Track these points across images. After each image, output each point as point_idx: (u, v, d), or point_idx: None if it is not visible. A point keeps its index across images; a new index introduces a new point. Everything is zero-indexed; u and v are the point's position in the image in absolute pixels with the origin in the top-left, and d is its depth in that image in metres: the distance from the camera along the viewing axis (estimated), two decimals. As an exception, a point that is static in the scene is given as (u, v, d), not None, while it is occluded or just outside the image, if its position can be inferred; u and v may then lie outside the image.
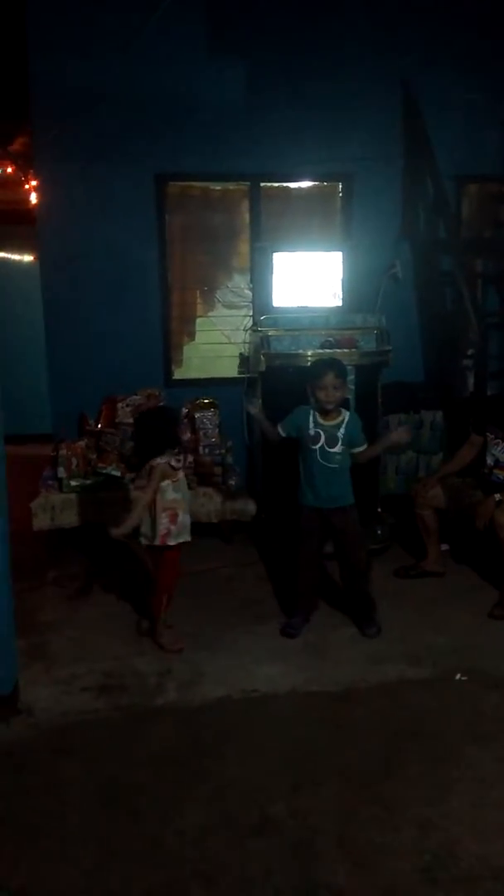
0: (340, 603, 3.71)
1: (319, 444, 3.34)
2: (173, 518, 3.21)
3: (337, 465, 3.36)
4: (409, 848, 2.16)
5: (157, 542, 3.20)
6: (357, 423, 3.43)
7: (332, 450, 3.35)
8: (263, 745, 2.64)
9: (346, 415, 3.41)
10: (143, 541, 3.27)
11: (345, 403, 3.56)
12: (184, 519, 3.25)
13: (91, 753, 2.61)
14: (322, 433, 3.34)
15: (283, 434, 3.46)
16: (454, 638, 3.39)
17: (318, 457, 3.35)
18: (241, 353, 5.13)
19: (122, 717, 2.83)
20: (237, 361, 5.19)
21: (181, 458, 3.41)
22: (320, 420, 3.36)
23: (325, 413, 3.36)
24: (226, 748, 2.62)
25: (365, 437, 3.45)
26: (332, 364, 3.42)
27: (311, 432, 3.35)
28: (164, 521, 3.19)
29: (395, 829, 2.23)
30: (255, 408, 3.70)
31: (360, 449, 3.43)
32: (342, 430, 3.35)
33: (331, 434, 3.35)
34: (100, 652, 3.29)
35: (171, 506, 3.21)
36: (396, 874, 2.07)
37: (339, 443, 3.35)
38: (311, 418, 3.38)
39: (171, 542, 3.22)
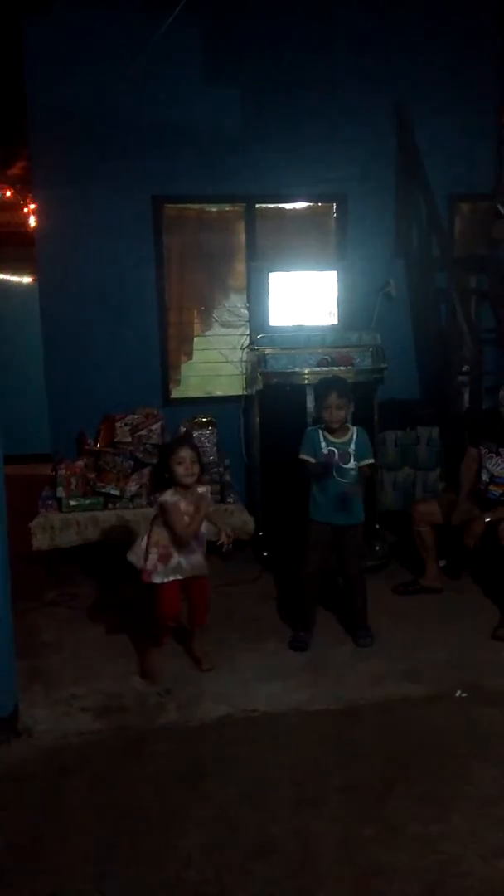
0: (340, 619, 3.72)
1: (334, 461, 3.42)
2: (164, 557, 3.13)
3: (353, 481, 3.44)
4: (411, 867, 2.15)
5: (142, 576, 3.15)
6: (364, 436, 3.52)
7: (346, 466, 3.43)
8: (264, 765, 2.63)
9: (353, 431, 3.50)
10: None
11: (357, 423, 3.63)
12: (182, 561, 3.15)
13: (91, 774, 2.61)
14: (335, 450, 3.43)
15: (312, 461, 3.48)
16: (454, 654, 3.39)
17: (335, 474, 3.42)
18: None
19: (123, 737, 2.82)
20: (234, 380, 5.24)
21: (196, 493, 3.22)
22: (331, 438, 3.45)
23: (332, 431, 3.45)
24: (227, 768, 2.61)
25: (372, 450, 3.53)
26: (332, 384, 3.50)
27: (325, 450, 3.43)
28: (152, 556, 3.14)
29: (397, 848, 2.22)
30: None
31: (368, 462, 3.52)
32: (352, 446, 3.44)
33: (343, 451, 3.44)
34: (99, 672, 3.28)
35: (163, 543, 3.14)
36: (398, 893, 2.06)
37: (353, 458, 3.44)
38: (321, 437, 3.45)
39: (156, 580, 3.13)
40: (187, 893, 2.08)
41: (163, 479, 3.20)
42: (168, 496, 3.15)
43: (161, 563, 3.14)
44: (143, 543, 3.18)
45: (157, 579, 3.14)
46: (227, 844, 2.25)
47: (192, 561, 3.18)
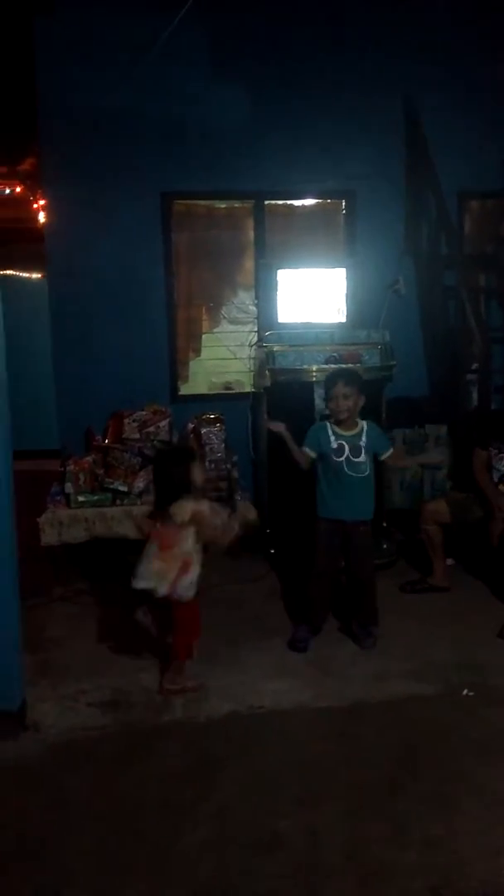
0: (347, 618, 3.72)
1: (344, 456, 3.38)
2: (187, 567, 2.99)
3: (364, 475, 3.41)
4: (416, 866, 2.15)
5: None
6: (376, 428, 3.49)
7: (357, 459, 3.40)
8: (270, 762, 2.64)
9: (363, 424, 3.45)
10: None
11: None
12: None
13: (98, 770, 2.62)
14: (345, 444, 3.39)
15: (313, 455, 3.44)
16: (460, 653, 3.38)
17: (346, 468, 3.38)
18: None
19: (129, 733, 2.83)
20: (242, 377, 5.24)
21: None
22: (340, 432, 3.41)
23: (340, 424, 3.41)
24: (232, 765, 2.62)
25: (389, 440, 3.50)
26: (339, 374, 3.47)
27: (334, 445, 3.39)
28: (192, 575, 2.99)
29: (401, 847, 2.22)
30: (277, 427, 3.50)
31: (388, 453, 3.50)
32: (363, 440, 3.41)
33: (353, 444, 3.40)
34: (106, 668, 3.30)
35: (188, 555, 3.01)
36: (403, 892, 2.07)
37: (363, 452, 3.40)
38: (329, 432, 3.42)
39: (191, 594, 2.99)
40: (193, 890, 2.09)
41: (174, 488, 3.01)
42: (197, 505, 2.99)
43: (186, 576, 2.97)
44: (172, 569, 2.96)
45: (191, 592, 2.99)
46: (233, 841, 2.26)
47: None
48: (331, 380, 3.44)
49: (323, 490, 3.46)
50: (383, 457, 3.48)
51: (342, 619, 3.70)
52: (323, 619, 3.57)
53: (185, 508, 2.97)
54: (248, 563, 4.49)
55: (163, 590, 2.96)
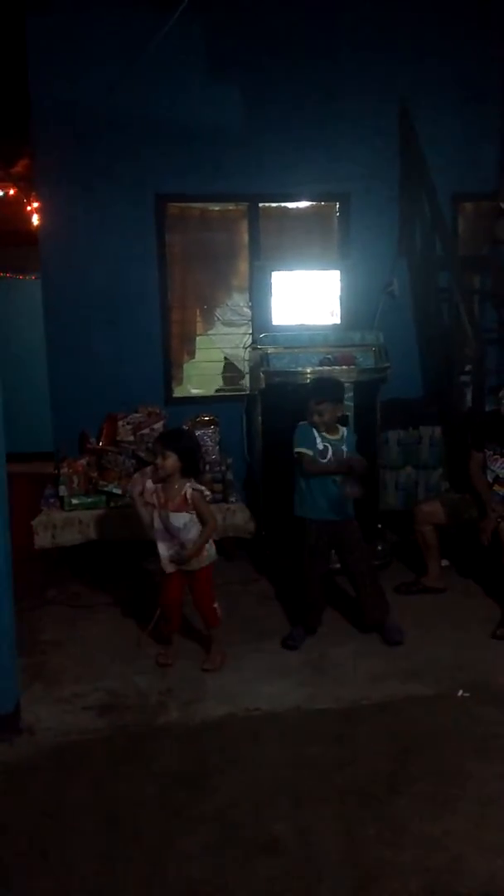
0: (342, 619, 3.72)
1: (328, 458, 3.45)
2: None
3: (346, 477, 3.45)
4: (412, 866, 2.15)
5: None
6: (351, 439, 3.59)
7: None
8: (266, 764, 2.63)
9: (343, 430, 3.57)
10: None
11: (343, 420, 3.67)
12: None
13: (93, 773, 2.61)
14: (329, 447, 3.47)
15: (311, 454, 3.48)
16: (456, 654, 3.39)
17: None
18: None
19: (124, 736, 2.82)
20: (236, 378, 5.24)
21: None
22: (326, 436, 3.49)
23: (323, 430, 3.49)
24: (229, 767, 2.61)
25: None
26: (312, 391, 3.54)
27: (321, 447, 3.47)
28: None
29: (398, 847, 2.22)
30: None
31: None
32: (344, 444, 3.51)
33: (337, 447, 3.48)
34: (101, 671, 3.28)
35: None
36: (400, 893, 2.06)
37: (345, 455, 3.48)
38: (315, 434, 3.48)
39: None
40: (189, 892, 2.08)
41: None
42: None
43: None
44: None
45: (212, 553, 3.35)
46: (229, 843, 2.25)
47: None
48: (308, 394, 3.53)
49: (306, 491, 3.50)
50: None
51: (338, 621, 3.70)
52: (317, 619, 3.57)
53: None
54: (243, 565, 4.49)
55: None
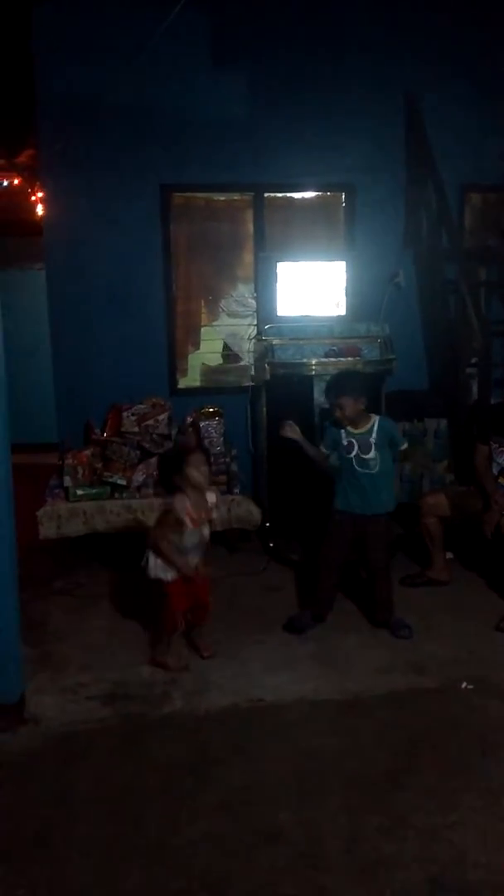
0: (350, 610, 3.72)
1: (354, 453, 3.45)
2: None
3: (376, 470, 3.46)
4: (416, 858, 2.15)
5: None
6: (387, 424, 3.53)
7: (366, 456, 3.45)
8: (270, 755, 2.64)
9: (374, 420, 3.50)
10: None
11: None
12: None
13: (97, 762, 2.62)
14: (354, 441, 3.45)
15: (328, 453, 3.54)
16: (460, 646, 3.39)
17: (356, 465, 3.45)
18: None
19: (129, 726, 2.83)
20: (241, 370, 5.22)
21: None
22: (350, 430, 3.47)
23: (346, 425, 3.47)
24: (232, 757, 2.62)
25: (400, 434, 3.61)
26: (332, 385, 3.52)
27: (345, 442, 3.48)
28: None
29: (402, 839, 2.22)
30: (294, 433, 3.61)
31: (402, 446, 3.61)
32: (373, 437, 3.45)
33: (363, 441, 3.45)
34: (106, 661, 3.29)
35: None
36: (404, 884, 2.07)
37: (373, 448, 3.45)
38: (341, 430, 3.48)
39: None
40: (193, 881, 2.09)
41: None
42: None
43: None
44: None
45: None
46: (233, 833, 2.26)
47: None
48: (327, 391, 3.53)
49: (340, 484, 3.53)
50: (398, 449, 3.58)
51: (344, 612, 3.70)
52: (326, 607, 3.59)
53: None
54: (247, 556, 4.49)
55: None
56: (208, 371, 5.35)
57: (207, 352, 5.38)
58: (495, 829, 2.26)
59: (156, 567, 3.15)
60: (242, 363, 5.28)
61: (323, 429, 3.67)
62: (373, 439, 3.44)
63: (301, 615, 3.58)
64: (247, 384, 5.08)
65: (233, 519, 4.46)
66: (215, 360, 5.37)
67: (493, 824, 2.28)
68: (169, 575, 3.15)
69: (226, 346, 5.37)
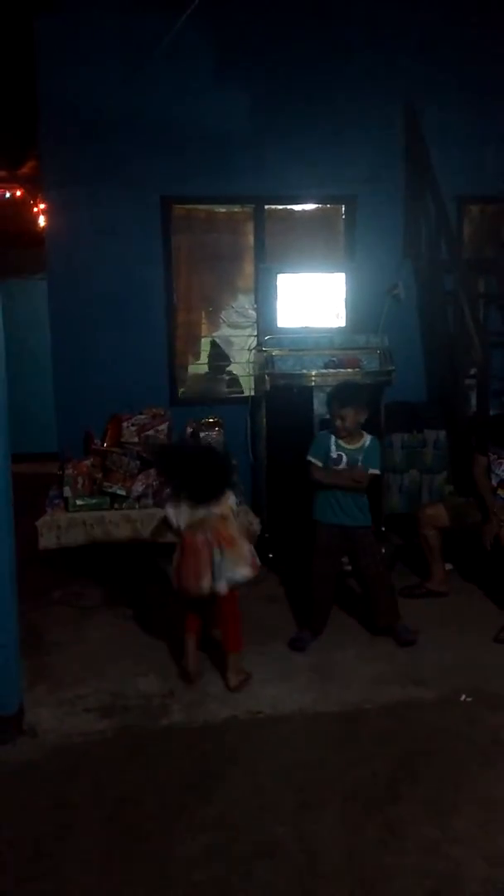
0: (348, 622, 3.71)
1: (341, 466, 3.44)
2: None
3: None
4: (415, 870, 2.15)
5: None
6: (376, 445, 3.52)
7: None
8: (269, 767, 2.63)
9: (367, 439, 3.50)
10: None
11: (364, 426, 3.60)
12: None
13: (95, 774, 2.61)
14: (344, 455, 3.45)
15: (320, 464, 3.48)
16: (459, 658, 3.38)
17: None
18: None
19: (127, 738, 2.82)
20: (241, 381, 5.24)
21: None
22: (342, 444, 3.46)
23: (344, 436, 3.46)
24: (231, 769, 2.61)
25: (380, 463, 3.55)
26: (336, 394, 3.51)
27: (334, 455, 3.46)
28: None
29: (401, 852, 2.22)
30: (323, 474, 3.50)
31: (372, 471, 3.49)
32: (362, 454, 3.46)
33: (352, 457, 3.45)
34: (104, 672, 3.29)
35: None
36: (402, 898, 2.06)
37: (358, 465, 3.44)
38: (332, 442, 3.47)
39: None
40: (191, 894, 2.08)
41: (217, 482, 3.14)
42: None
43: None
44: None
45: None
46: (231, 846, 2.25)
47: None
48: (329, 401, 3.51)
49: (321, 496, 3.50)
50: (368, 471, 3.47)
51: (342, 624, 3.69)
52: (322, 621, 3.57)
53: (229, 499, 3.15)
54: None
55: (245, 572, 3.12)
56: (199, 379, 5.35)
57: (207, 362, 5.40)
58: (494, 843, 2.25)
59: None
60: (229, 368, 5.27)
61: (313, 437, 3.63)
62: (361, 457, 3.45)
63: (300, 635, 3.54)
64: (237, 394, 5.06)
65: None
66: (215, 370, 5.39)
67: (491, 836, 2.28)
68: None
69: (214, 345, 5.31)
